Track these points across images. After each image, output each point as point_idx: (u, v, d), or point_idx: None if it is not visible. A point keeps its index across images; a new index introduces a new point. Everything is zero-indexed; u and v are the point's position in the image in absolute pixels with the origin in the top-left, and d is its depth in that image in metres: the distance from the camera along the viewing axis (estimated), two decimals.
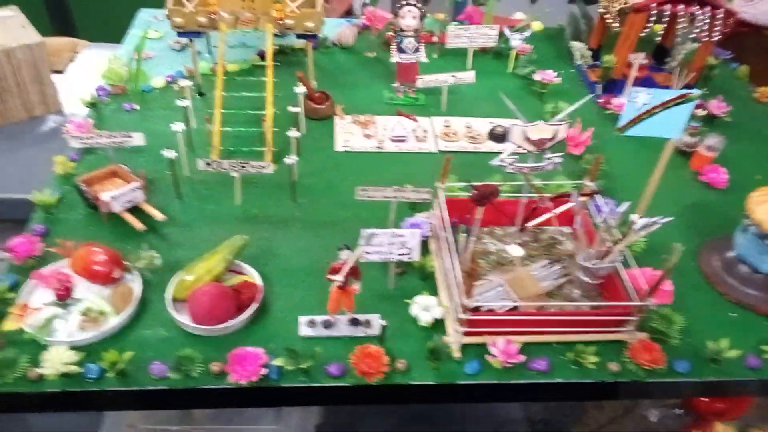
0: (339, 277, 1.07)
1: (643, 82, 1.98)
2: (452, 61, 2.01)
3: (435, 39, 2.06)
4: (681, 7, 1.72)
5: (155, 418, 1.77)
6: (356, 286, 1.13)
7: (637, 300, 1.12)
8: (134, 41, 1.93)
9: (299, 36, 1.66)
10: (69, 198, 1.39)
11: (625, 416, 2.01)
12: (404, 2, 1.63)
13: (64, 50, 2.16)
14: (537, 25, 2.24)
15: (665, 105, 1.20)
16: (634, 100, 1.19)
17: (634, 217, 1.11)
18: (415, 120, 1.71)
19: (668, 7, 1.72)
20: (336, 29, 2.07)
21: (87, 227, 1.33)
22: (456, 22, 2.16)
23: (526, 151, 1.21)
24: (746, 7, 2.54)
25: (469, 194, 1.24)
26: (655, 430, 1.94)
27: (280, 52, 1.95)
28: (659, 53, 2.05)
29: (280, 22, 1.58)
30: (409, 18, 1.66)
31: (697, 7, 1.72)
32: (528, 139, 1.18)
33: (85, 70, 2.13)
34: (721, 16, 1.71)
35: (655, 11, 1.70)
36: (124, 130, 1.40)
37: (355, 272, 1.11)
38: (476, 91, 1.88)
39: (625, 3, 1.76)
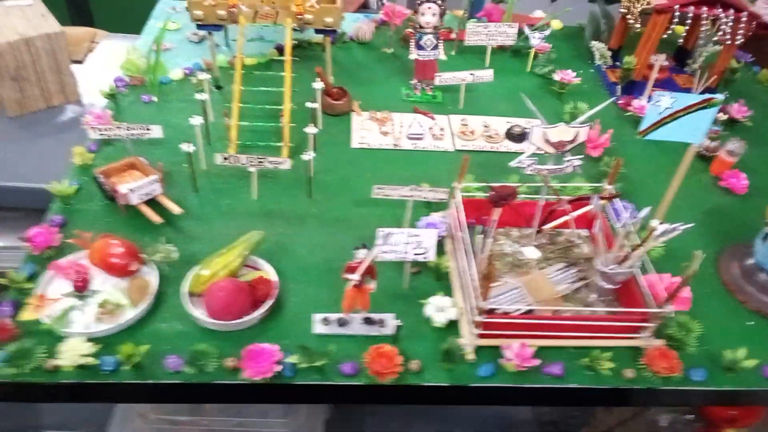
0: (355, 276, 1.06)
1: (664, 84, 1.97)
2: (470, 59, 2.00)
3: (453, 36, 2.05)
4: (704, 9, 1.70)
5: (166, 408, 1.78)
6: (372, 285, 1.13)
7: (655, 306, 1.11)
8: (153, 32, 1.94)
9: (318, 31, 1.66)
10: (87, 189, 1.39)
11: (634, 420, 2.00)
12: None
13: (82, 40, 2.16)
14: (556, 24, 2.22)
15: (688, 109, 1.18)
16: (656, 103, 1.17)
17: (654, 222, 1.10)
18: (432, 118, 1.70)
19: (691, 8, 1.70)
20: (353, 24, 2.06)
21: (104, 219, 1.33)
22: (474, 19, 2.15)
23: (545, 153, 1.19)
24: (767, 9, 2.50)
25: (485, 194, 1.23)
26: None
27: (298, 47, 1.94)
28: (680, 55, 2.03)
29: (300, 16, 1.57)
30: (429, 15, 1.64)
31: (721, 9, 1.69)
32: (548, 141, 1.17)
33: (103, 61, 2.14)
34: (745, 19, 1.69)
35: (678, 13, 1.68)
36: (141, 122, 1.40)
37: (371, 271, 1.11)
38: (494, 89, 1.87)
39: (648, 3, 1.74)
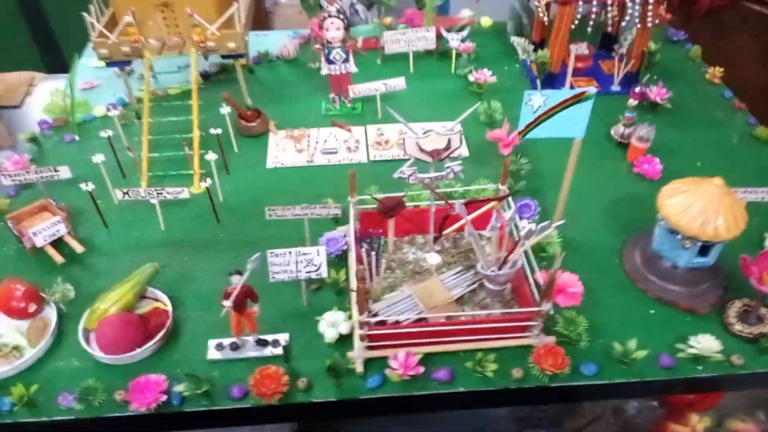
0: (228, 303, 1.09)
1: (589, 72, 1.97)
2: (396, 66, 2.01)
3: (379, 45, 2.06)
4: None
5: None
6: (255, 308, 1.15)
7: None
8: (81, 72, 1.98)
9: (225, 56, 1.68)
10: (2, 235, 1.43)
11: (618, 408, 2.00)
12: (326, 14, 1.63)
13: (20, 84, 2.22)
14: (486, 21, 2.23)
15: (563, 105, 1.18)
16: (528, 103, 1.17)
17: (522, 223, 1.10)
18: (349, 131, 1.72)
19: None
20: (279, 42, 2.08)
21: (17, 262, 1.37)
22: (402, 26, 2.16)
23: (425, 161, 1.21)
24: None
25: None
26: (633, 422, 1.93)
27: (224, 71, 1.98)
28: (607, 41, 2.03)
29: (202, 45, 1.60)
30: (333, 30, 1.66)
31: None
32: (422, 150, 1.18)
33: (39, 104, 2.19)
34: (653, 1, 1.67)
35: (582, 2, 1.68)
36: (63, 163, 1.45)
37: (251, 295, 1.13)
38: (416, 95, 1.88)
39: None
